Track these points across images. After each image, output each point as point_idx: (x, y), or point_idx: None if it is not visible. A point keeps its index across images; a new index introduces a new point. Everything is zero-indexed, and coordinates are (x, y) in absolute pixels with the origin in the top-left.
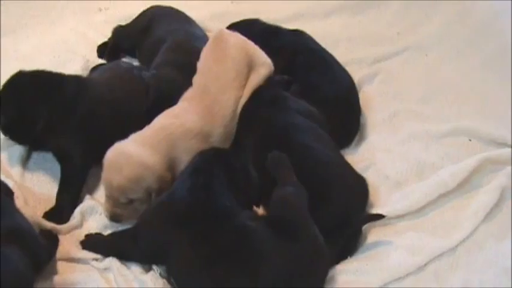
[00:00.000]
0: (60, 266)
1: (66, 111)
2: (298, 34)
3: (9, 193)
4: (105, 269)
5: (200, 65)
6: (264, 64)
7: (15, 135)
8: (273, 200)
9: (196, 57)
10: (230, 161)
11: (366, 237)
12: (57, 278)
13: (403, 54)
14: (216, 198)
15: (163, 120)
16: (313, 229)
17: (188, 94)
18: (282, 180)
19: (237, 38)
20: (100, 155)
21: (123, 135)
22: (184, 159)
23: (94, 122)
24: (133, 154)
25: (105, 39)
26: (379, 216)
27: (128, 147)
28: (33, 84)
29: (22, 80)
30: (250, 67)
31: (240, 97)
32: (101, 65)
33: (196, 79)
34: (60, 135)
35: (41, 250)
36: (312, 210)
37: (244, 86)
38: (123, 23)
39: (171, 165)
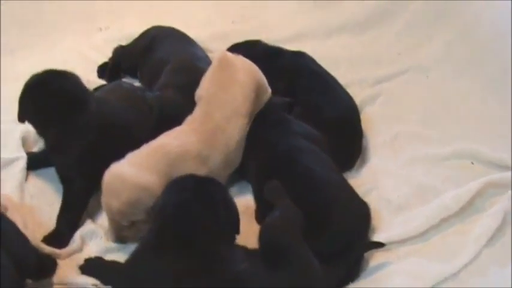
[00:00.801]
0: None
1: (80, 131)
2: (299, 55)
3: None
4: None
5: (203, 88)
6: (266, 91)
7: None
8: (261, 229)
9: (199, 77)
10: (209, 190)
11: (367, 262)
12: None
13: (404, 75)
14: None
15: (162, 140)
16: (304, 251)
17: (190, 117)
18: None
19: (244, 61)
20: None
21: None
22: None
23: (103, 144)
24: (129, 177)
25: (106, 60)
26: (380, 245)
27: (124, 170)
28: (57, 93)
29: (51, 83)
30: (256, 93)
31: (246, 124)
32: (102, 85)
33: (199, 103)
34: (67, 155)
35: (29, 256)
36: (314, 233)
37: (250, 113)
38: (124, 43)
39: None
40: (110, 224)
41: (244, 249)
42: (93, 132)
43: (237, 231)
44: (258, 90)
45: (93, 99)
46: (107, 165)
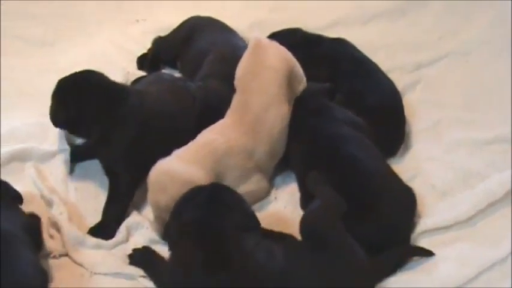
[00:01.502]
0: (106, 281)
1: (124, 125)
2: (340, 42)
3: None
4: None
5: (238, 78)
6: (301, 79)
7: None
8: (301, 217)
9: None
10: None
11: None
12: None
13: (444, 60)
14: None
15: (207, 136)
16: (346, 239)
17: (232, 108)
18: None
19: (277, 47)
20: (149, 170)
21: (172, 150)
22: (229, 175)
23: (148, 137)
24: (177, 172)
25: (144, 51)
26: (429, 253)
27: (171, 165)
28: (99, 89)
29: (90, 81)
30: (289, 80)
31: (287, 112)
32: (142, 77)
33: (236, 93)
34: (113, 148)
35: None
36: (361, 222)
37: (288, 99)
38: (161, 34)
39: (216, 180)
40: (156, 221)
41: (280, 241)
42: (136, 125)
43: (257, 223)
44: (291, 77)
45: (134, 92)
46: (152, 157)
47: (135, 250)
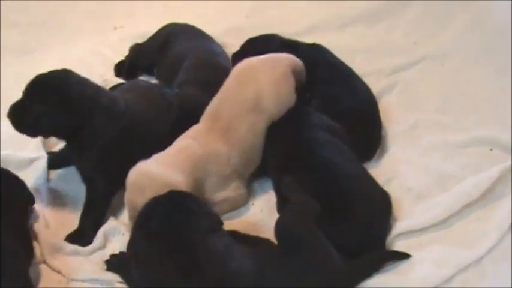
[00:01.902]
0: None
1: (98, 132)
2: (316, 47)
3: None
4: None
5: (227, 80)
6: (289, 101)
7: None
8: (276, 220)
9: (219, 73)
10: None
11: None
12: None
13: (420, 64)
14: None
15: (183, 141)
16: (320, 241)
17: (204, 115)
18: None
19: (271, 68)
20: (126, 176)
21: (149, 156)
22: (208, 181)
23: (124, 143)
24: (157, 174)
25: (122, 58)
26: (405, 256)
27: (151, 167)
28: (80, 92)
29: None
30: (274, 103)
31: (262, 128)
32: (119, 84)
33: (214, 98)
34: (88, 155)
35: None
36: (336, 225)
37: (262, 120)
38: (139, 41)
39: (195, 185)
40: (132, 221)
41: (254, 245)
42: (111, 131)
43: (220, 223)
44: (279, 99)
45: (110, 98)
46: (128, 164)
47: (112, 256)
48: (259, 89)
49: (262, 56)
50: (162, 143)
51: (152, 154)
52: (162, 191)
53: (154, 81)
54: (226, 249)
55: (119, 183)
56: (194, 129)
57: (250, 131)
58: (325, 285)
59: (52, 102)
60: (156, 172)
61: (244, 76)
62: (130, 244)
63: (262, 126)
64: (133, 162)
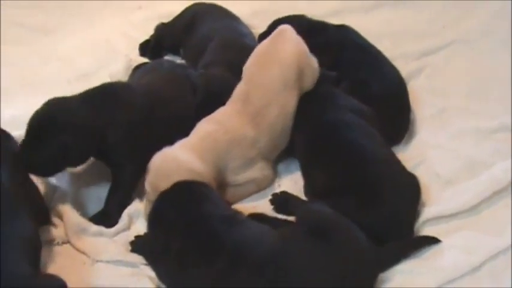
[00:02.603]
0: (108, 269)
1: (122, 121)
2: (344, 29)
3: None
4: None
5: (247, 66)
6: (313, 76)
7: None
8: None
9: (246, 54)
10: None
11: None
12: (105, 282)
13: (448, 47)
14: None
15: (207, 126)
16: (346, 224)
17: (234, 96)
18: (300, 205)
19: (297, 43)
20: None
21: (173, 137)
22: (231, 165)
23: (149, 128)
24: (183, 160)
25: (146, 37)
26: (435, 240)
27: (177, 153)
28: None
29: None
30: (299, 76)
31: (291, 110)
32: (143, 64)
33: (242, 80)
34: (113, 145)
35: None
36: (363, 208)
37: (296, 95)
38: (164, 21)
39: (217, 173)
40: (148, 205)
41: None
42: (132, 123)
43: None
44: (302, 73)
45: (126, 88)
46: (153, 146)
47: (136, 237)
48: (282, 65)
49: (269, 36)
50: (187, 124)
51: (177, 135)
52: (186, 177)
53: (180, 61)
54: (247, 234)
55: (145, 166)
56: (221, 112)
57: (281, 114)
58: (353, 272)
59: (73, 130)
60: (181, 158)
61: (264, 58)
62: (148, 238)
63: (292, 105)
64: (158, 144)
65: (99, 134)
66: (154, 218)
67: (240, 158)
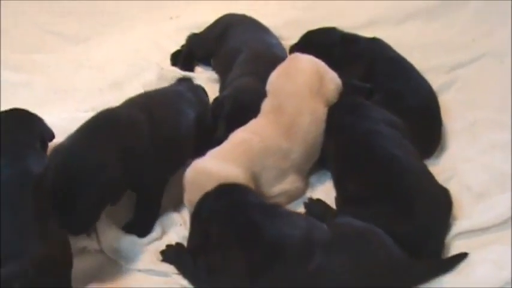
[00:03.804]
0: (141, 277)
1: (137, 149)
2: (376, 42)
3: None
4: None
5: (271, 82)
6: (334, 82)
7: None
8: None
9: (275, 64)
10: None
11: (450, 250)
12: None
13: (479, 61)
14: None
15: (242, 134)
16: (384, 239)
17: (265, 110)
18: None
19: (310, 57)
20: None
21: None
22: (265, 175)
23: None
24: (214, 169)
25: (177, 47)
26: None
27: (207, 164)
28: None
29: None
30: (321, 81)
31: (322, 117)
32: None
33: (269, 96)
34: (135, 173)
35: None
36: (395, 220)
37: (323, 102)
38: (195, 31)
39: (252, 178)
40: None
41: None
42: (144, 139)
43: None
44: (323, 79)
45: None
46: (169, 166)
47: (168, 246)
48: (304, 73)
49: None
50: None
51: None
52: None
53: (211, 71)
54: (285, 227)
55: (170, 175)
56: (255, 123)
57: (313, 121)
58: (386, 278)
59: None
60: (212, 168)
61: (287, 71)
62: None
63: (321, 113)
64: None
65: (123, 170)
66: (195, 212)
67: (274, 168)
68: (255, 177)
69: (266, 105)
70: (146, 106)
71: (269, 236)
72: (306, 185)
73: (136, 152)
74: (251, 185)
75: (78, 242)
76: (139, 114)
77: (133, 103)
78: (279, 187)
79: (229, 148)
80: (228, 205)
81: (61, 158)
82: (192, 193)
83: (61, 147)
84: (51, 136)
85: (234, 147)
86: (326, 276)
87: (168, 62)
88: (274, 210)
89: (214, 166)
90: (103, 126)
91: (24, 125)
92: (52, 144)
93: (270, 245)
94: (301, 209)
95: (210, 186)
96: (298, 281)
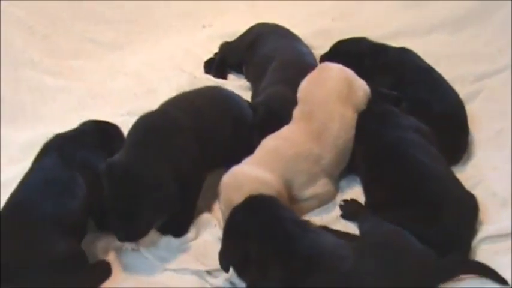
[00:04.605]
0: (176, 277)
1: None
2: (404, 51)
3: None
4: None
5: (301, 89)
6: (362, 89)
7: None
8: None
9: (306, 72)
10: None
11: (476, 254)
12: None
13: (504, 71)
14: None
15: (273, 141)
16: (413, 242)
17: (296, 116)
18: (367, 217)
19: (339, 66)
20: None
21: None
22: (296, 180)
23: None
24: (252, 172)
25: (210, 55)
26: (494, 275)
27: (245, 169)
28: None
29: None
30: (350, 88)
31: (351, 123)
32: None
33: (299, 103)
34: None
35: None
36: (422, 224)
37: (352, 108)
38: (228, 40)
39: (285, 183)
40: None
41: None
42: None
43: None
44: (351, 86)
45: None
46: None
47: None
48: (333, 80)
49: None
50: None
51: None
52: (258, 187)
53: (243, 79)
54: (320, 240)
55: (206, 174)
56: (286, 130)
57: (342, 127)
58: (416, 280)
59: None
60: (249, 173)
61: (317, 78)
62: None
63: (351, 119)
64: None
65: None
66: (229, 228)
67: (306, 173)
68: (287, 182)
69: (297, 112)
70: (189, 106)
71: (305, 248)
72: (336, 189)
73: (182, 157)
74: (283, 190)
75: (115, 241)
76: (183, 117)
77: (176, 104)
78: (310, 190)
79: (262, 155)
80: (265, 221)
81: (119, 175)
82: (229, 192)
83: (117, 163)
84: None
85: (267, 154)
86: (358, 279)
87: (201, 69)
88: (304, 224)
89: (251, 170)
90: (154, 139)
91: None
92: None
93: (306, 257)
94: (333, 214)
95: (247, 185)
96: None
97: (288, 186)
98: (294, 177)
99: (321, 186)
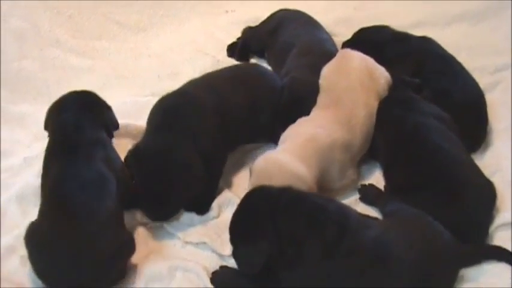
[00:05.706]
0: (197, 252)
1: (204, 129)
2: (426, 40)
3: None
4: None
5: (324, 77)
6: (383, 76)
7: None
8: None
9: (326, 59)
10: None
11: (493, 240)
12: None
13: None
14: None
15: (309, 129)
16: (435, 224)
17: (322, 104)
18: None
19: (359, 54)
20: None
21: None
22: (331, 170)
23: (222, 128)
24: (286, 164)
25: (232, 40)
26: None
27: (279, 157)
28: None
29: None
30: (371, 75)
31: (373, 110)
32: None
33: (323, 91)
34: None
35: None
36: (442, 209)
37: (374, 96)
38: (249, 25)
39: (319, 175)
40: None
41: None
42: (209, 119)
43: None
44: (372, 73)
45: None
46: (232, 136)
47: (222, 268)
48: (355, 68)
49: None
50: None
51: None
52: (289, 180)
53: (265, 64)
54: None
55: (229, 152)
56: (319, 117)
57: (367, 114)
58: (438, 262)
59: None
60: (285, 162)
61: (339, 66)
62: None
63: (373, 106)
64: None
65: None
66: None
67: (339, 162)
68: (322, 174)
69: (324, 99)
70: (212, 86)
71: (334, 213)
72: (359, 176)
73: (204, 136)
74: (315, 185)
75: (141, 218)
76: (204, 96)
77: (197, 83)
78: (341, 182)
79: (301, 144)
80: (291, 196)
81: (150, 161)
82: (260, 180)
83: (145, 148)
84: (116, 126)
85: (305, 144)
86: (387, 245)
87: (224, 53)
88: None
89: (286, 160)
90: (177, 120)
91: (89, 111)
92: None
93: (337, 223)
94: (351, 197)
95: (279, 177)
96: (361, 253)
97: (321, 178)
98: (329, 168)
99: (349, 177)
